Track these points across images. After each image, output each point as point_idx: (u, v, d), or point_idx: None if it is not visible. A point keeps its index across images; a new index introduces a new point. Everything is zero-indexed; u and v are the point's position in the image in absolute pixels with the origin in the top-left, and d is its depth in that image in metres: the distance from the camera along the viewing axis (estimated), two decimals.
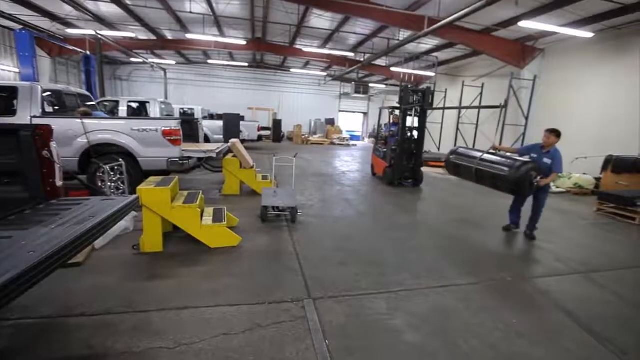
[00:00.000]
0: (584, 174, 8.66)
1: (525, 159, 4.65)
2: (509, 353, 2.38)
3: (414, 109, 7.97)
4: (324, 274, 3.42)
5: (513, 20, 9.36)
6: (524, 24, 8.29)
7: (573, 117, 10.09)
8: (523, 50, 11.38)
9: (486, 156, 4.92)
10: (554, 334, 2.65)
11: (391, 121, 8.62)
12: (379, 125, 10.00)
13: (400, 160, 7.91)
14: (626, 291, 3.45)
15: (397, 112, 8.34)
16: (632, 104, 8.65)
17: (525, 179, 4.36)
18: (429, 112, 8.34)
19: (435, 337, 2.50)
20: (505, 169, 4.52)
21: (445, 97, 15.83)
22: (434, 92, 7.81)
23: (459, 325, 2.67)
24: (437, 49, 13.82)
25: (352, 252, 4.03)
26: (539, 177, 4.38)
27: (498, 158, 4.78)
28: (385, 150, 8.60)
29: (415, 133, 8.13)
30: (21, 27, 11.96)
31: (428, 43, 13.38)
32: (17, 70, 12.90)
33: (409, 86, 8.11)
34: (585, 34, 8.82)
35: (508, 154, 4.94)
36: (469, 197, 7.71)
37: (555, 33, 9.56)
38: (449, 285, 3.33)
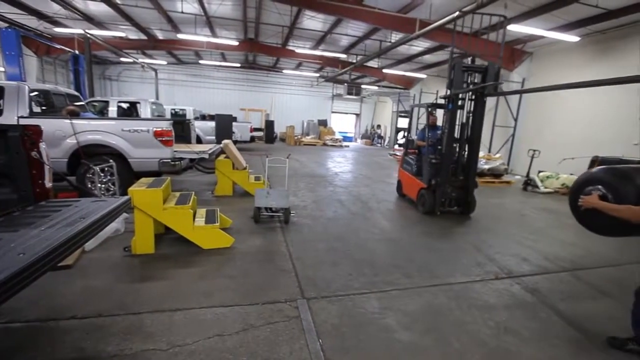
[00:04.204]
0: (571, 174, 8.82)
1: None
2: (499, 350, 2.43)
3: (467, 99, 5.54)
4: (317, 274, 3.43)
5: (502, 24, 9.51)
6: (513, 27, 8.45)
7: (560, 118, 10.30)
8: (512, 53, 11.58)
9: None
10: (543, 330, 2.71)
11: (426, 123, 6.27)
12: (409, 130, 7.60)
13: (445, 178, 5.51)
14: (612, 288, 3.53)
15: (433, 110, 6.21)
16: (616, 106, 8.88)
17: (574, 192, 2.70)
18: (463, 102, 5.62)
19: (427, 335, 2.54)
20: None
21: (436, 98, 15.95)
22: (499, 71, 5.44)
23: (450, 323, 2.71)
24: (429, 51, 13.97)
25: (345, 252, 4.05)
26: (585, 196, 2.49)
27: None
28: (418, 163, 6.23)
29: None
30: (7, 25, 11.71)
31: (420, 45, 13.51)
32: (3, 69, 12.60)
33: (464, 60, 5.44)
34: (571, 37, 9.05)
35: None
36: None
37: (543, 37, 9.76)
38: (440, 284, 3.37)
